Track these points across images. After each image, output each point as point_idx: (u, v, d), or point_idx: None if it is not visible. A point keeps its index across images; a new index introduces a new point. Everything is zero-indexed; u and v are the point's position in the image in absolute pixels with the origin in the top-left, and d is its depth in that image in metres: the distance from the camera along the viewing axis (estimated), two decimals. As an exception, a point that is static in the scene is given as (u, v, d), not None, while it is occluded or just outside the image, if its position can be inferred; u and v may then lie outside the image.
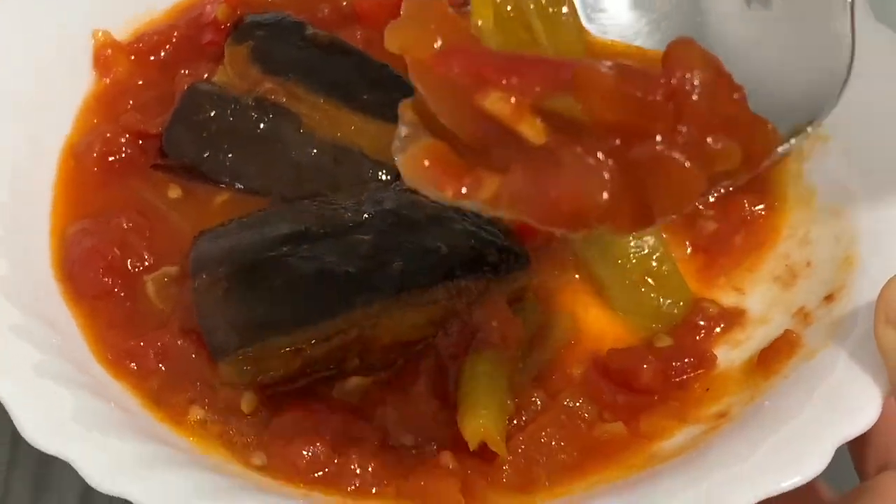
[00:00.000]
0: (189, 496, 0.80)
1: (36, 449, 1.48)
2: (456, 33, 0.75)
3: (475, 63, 0.72)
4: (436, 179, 0.73)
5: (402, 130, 0.76)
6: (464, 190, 0.73)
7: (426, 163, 0.74)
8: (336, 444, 0.89)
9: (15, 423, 0.81)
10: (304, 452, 0.88)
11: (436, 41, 0.73)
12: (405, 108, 0.77)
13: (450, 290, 0.94)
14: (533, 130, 0.71)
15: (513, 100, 0.71)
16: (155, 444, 0.84)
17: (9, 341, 0.87)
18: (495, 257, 0.96)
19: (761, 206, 1.05)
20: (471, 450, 0.88)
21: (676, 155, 0.68)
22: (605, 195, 0.69)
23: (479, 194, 0.72)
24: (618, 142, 0.69)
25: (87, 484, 1.49)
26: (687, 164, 0.68)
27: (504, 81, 0.71)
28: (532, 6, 0.80)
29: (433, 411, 0.92)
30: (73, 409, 0.83)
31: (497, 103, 0.71)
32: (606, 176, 0.69)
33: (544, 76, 0.71)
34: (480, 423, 0.89)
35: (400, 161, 0.75)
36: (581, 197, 0.69)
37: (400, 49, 0.74)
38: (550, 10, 0.81)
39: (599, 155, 0.69)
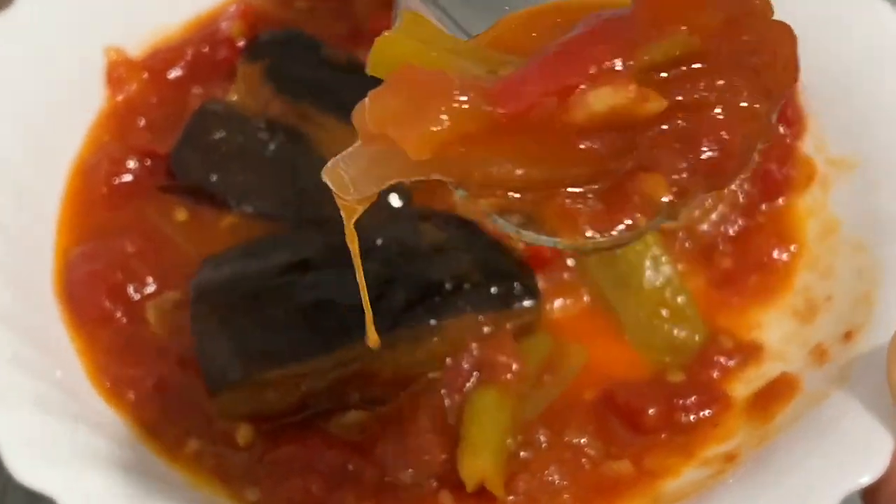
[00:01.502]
0: None
1: None
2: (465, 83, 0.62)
3: (549, 77, 0.61)
4: None
5: None
6: None
7: None
8: (332, 481, 0.88)
9: (4, 459, 0.79)
10: (299, 489, 0.87)
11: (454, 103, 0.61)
12: None
13: (454, 326, 0.92)
14: (655, 101, 0.62)
15: (620, 85, 0.61)
16: (147, 479, 0.83)
17: (7, 373, 0.85)
18: (503, 290, 0.94)
19: (782, 254, 1.02)
20: (468, 491, 0.87)
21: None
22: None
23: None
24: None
25: None
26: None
27: (593, 70, 0.61)
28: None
29: (433, 447, 0.90)
30: (68, 444, 0.82)
31: (610, 96, 0.61)
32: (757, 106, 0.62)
33: (617, 43, 0.62)
34: (479, 463, 0.87)
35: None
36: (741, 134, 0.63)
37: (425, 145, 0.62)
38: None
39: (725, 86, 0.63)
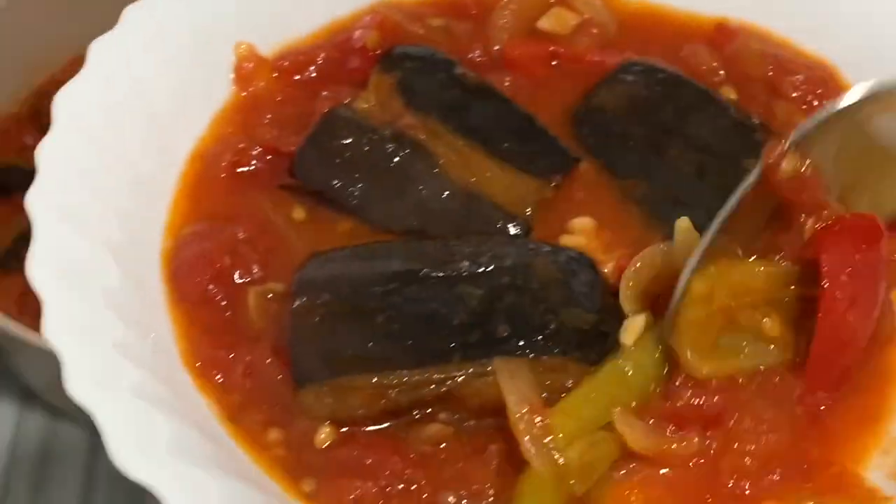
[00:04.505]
0: None
1: (33, 450, 1.48)
2: None
3: None
4: None
5: None
6: None
7: None
8: (386, 489, 0.86)
9: (107, 447, 0.77)
10: (352, 490, 0.85)
11: None
12: None
13: (548, 367, 0.88)
14: None
15: None
16: (235, 479, 0.81)
17: (111, 360, 0.83)
18: (600, 347, 0.90)
19: None
20: None
21: None
22: None
23: None
24: None
25: (85, 483, 1.46)
26: None
27: None
28: None
29: (486, 482, 0.87)
30: (166, 438, 0.80)
31: None
32: None
33: None
34: None
35: None
36: None
37: None
38: None
39: None
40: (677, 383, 0.88)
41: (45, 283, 0.84)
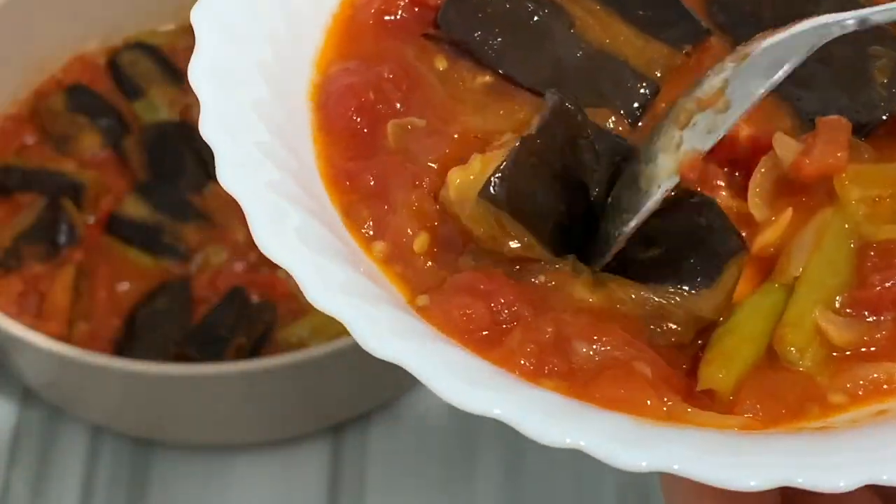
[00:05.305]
0: (386, 330, 0.82)
1: (33, 449, 1.53)
2: None
3: None
4: None
5: None
6: None
7: None
8: (499, 317, 0.89)
9: (251, 228, 0.86)
10: (464, 307, 0.88)
11: None
12: None
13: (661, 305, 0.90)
14: None
15: None
16: (358, 274, 0.88)
17: (253, 157, 0.91)
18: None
19: None
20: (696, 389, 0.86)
21: None
22: None
23: None
24: None
25: (85, 483, 1.53)
26: None
27: None
28: None
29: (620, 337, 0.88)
30: (296, 226, 0.88)
31: None
32: None
33: None
34: (720, 375, 0.86)
35: None
36: None
37: None
38: None
39: None
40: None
41: (201, 86, 0.93)
